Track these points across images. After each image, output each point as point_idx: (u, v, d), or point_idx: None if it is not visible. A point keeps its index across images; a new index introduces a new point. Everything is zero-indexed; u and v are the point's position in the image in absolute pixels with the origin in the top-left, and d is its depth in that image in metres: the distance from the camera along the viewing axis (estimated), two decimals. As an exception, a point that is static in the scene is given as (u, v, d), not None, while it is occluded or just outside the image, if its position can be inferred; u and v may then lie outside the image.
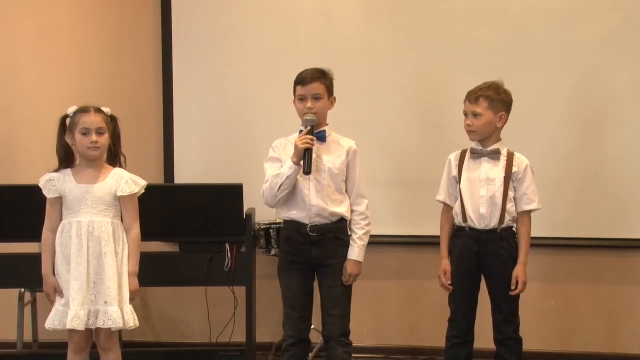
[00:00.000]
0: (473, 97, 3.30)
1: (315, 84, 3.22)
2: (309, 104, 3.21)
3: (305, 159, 3.15)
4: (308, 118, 3.20)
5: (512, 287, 3.30)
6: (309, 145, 3.14)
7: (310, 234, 3.24)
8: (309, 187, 3.24)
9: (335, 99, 3.31)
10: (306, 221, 3.25)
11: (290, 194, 3.24)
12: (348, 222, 3.31)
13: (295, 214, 3.26)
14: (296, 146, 3.16)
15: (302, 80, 3.25)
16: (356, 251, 3.28)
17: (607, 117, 4.16)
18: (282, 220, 3.86)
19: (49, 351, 4.19)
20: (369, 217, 3.32)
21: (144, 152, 4.25)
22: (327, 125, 3.31)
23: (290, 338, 3.29)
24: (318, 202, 3.23)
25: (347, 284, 3.28)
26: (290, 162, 3.18)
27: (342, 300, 3.27)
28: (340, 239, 3.28)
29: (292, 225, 3.29)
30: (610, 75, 4.14)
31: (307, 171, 3.15)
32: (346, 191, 3.31)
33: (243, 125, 4.33)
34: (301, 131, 3.21)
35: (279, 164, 3.27)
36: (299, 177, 3.21)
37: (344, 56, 4.17)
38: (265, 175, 3.28)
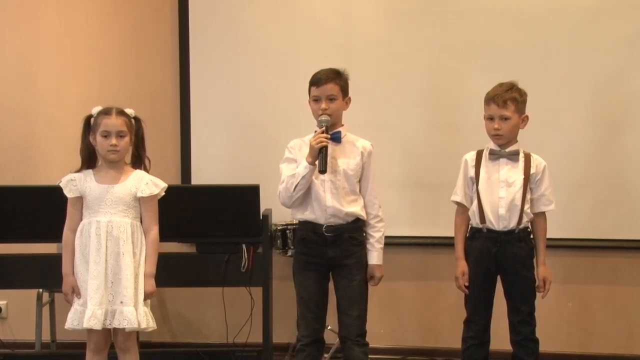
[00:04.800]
0: (500, 100, 3.27)
1: (329, 84, 3.22)
2: (323, 105, 3.21)
3: (320, 158, 3.14)
4: (322, 119, 3.20)
5: (540, 290, 3.32)
6: (324, 144, 3.13)
7: (326, 234, 3.24)
8: (324, 189, 3.24)
9: (350, 99, 3.31)
10: (321, 221, 3.25)
11: (306, 195, 3.24)
12: (363, 222, 3.31)
13: (310, 215, 3.26)
14: (311, 146, 3.16)
15: (316, 80, 3.24)
16: (375, 255, 3.29)
17: (628, 118, 4.13)
18: (298, 221, 3.91)
19: (67, 351, 4.22)
20: (383, 218, 3.33)
21: (161, 152, 4.24)
22: (343, 125, 3.31)
23: (304, 338, 3.29)
24: (333, 204, 3.23)
25: (374, 286, 3.31)
26: (305, 162, 3.18)
27: (358, 300, 3.27)
28: (355, 238, 3.28)
29: (308, 226, 3.28)
30: (630, 76, 4.10)
31: (322, 170, 3.15)
32: (360, 191, 3.31)
33: (260, 126, 4.33)
34: (316, 132, 3.21)
35: (294, 164, 3.27)
36: (314, 178, 3.21)
37: (362, 57, 4.16)
38: (281, 175, 3.28)
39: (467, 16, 4.19)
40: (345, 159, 3.27)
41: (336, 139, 3.24)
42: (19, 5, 4.48)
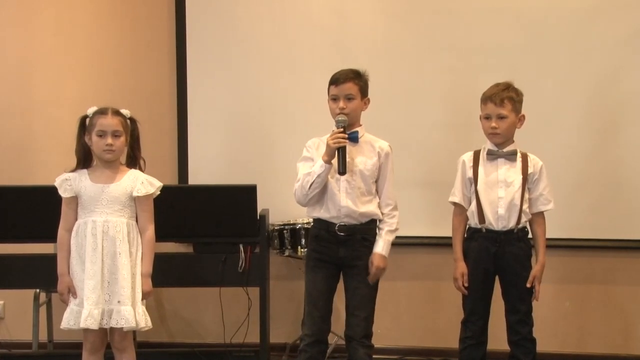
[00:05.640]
0: (498, 99, 3.28)
1: (348, 84, 3.21)
2: (341, 104, 3.19)
3: (339, 159, 3.13)
4: (339, 118, 3.17)
5: (528, 285, 3.30)
6: (341, 144, 3.12)
7: (339, 233, 3.22)
8: (339, 188, 3.22)
9: (369, 100, 3.29)
10: (335, 221, 3.23)
11: (321, 193, 3.22)
12: (377, 223, 3.28)
13: (325, 214, 3.24)
14: (327, 145, 3.15)
15: (335, 80, 3.24)
16: (381, 244, 3.24)
17: (625, 118, 4.13)
18: (295, 221, 3.92)
19: (64, 351, 4.22)
20: (397, 217, 3.30)
21: (158, 153, 4.25)
22: (361, 125, 3.29)
23: (308, 337, 3.26)
24: (347, 203, 3.21)
25: (372, 280, 3.24)
26: (321, 160, 3.16)
27: (367, 301, 3.25)
28: (368, 240, 3.25)
29: (322, 224, 3.27)
30: (628, 75, 4.11)
31: (342, 171, 3.13)
32: (376, 191, 3.29)
33: (257, 126, 4.32)
34: (333, 131, 3.18)
35: (311, 163, 3.25)
36: (329, 177, 3.20)
37: (361, 56, 4.11)
38: (298, 174, 3.26)
39: (466, 15, 4.19)
40: (363, 158, 3.25)
41: (353, 138, 3.22)
42: (17, 5, 4.48)
